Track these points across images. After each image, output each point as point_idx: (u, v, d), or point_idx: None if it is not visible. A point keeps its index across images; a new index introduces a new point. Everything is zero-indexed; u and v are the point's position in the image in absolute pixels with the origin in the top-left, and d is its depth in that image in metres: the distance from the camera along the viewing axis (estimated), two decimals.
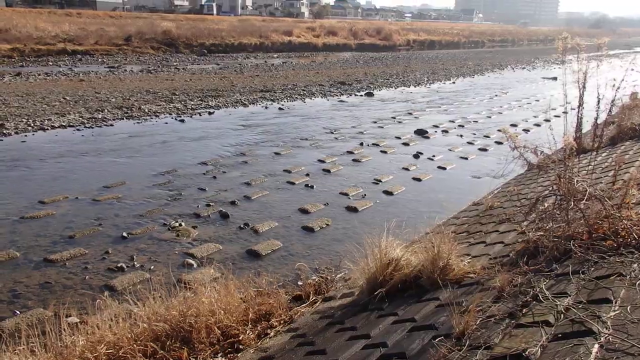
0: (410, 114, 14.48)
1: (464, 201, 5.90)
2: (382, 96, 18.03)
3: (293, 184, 7.55)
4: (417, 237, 3.67)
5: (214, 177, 7.78)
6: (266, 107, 14.90)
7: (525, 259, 2.61)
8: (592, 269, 2.26)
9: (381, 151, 9.86)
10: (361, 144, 10.37)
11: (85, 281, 4.47)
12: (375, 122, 12.93)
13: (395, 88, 20.59)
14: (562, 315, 1.91)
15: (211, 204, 6.54)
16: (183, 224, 5.83)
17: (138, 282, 4.37)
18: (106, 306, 3.02)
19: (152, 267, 4.77)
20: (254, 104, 15.43)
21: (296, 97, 16.84)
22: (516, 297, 2.20)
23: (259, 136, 10.99)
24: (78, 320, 3.19)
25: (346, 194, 7.06)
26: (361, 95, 17.99)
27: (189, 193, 7.00)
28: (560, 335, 1.78)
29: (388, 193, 7.18)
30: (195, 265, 4.77)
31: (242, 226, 5.81)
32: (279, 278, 4.24)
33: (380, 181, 7.75)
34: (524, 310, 2.06)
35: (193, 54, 33.54)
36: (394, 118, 13.69)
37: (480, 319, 2.10)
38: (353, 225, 5.76)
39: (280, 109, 14.67)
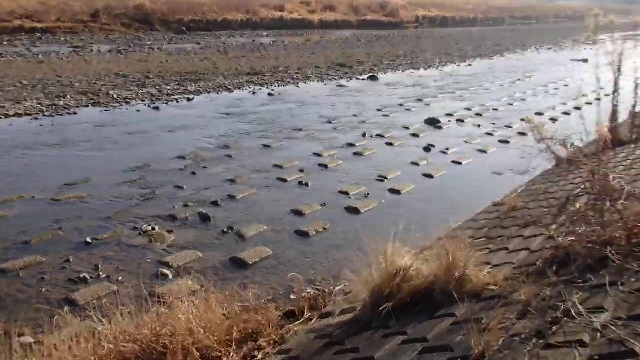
0: (420, 100, 14.59)
1: (483, 201, 5.91)
2: (388, 80, 18.15)
3: (285, 181, 7.61)
4: (429, 243, 3.68)
5: (193, 174, 7.84)
6: (254, 93, 15.04)
7: (554, 269, 2.60)
8: (633, 279, 2.24)
9: (387, 143, 9.95)
10: (364, 135, 10.47)
11: (42, 294, 4.46)
12: (379, 110, 13.05)
13: (403, 71, 20.64)
14: (598, 334, 1.90)
15: (190, 204, 6.60)
16: (157, 227, 5.88)
17: (104, 296, 4.36)
18: (66, 324, 2.99)
19: (121, 278, 4.78)
20: (239, 89, 15.59)
21: (288, 81, 16.97)
22: (545, 313, 2.18)
23: (246, 126, 11.11)
24: (32, 340, 3.16)
25: (346, 193, 7.10)
26: (363, 79, 18.14)
27: (164, 192, 7.07)
28: (596, 358, 1.77)
29: (395, 192, 7.24)
30: (170, 276, 4.79)
31: (225, 230, 5.87)
32: (268, 291, 4.27)
33: (385, 178, 7.82)
34: (554, 328, 2.05)
35: (170, 32, 33.48)
36: (402, 105, 13.79)
37: (503, 338, 2.09)
38: (354, 228, 5.76)
39: (270, 94, 14.82)
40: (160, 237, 5.64)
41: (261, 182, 7.61)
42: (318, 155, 9.07)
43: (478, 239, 4.18)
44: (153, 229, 5.84)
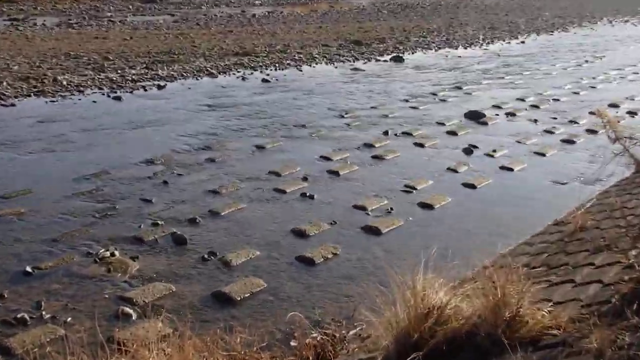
0: (459, 88, 14.64)
1: (541, 219, 5.92)
2: (417, 62, 18.25)
3: (283, 192, 7.61)
4: (471, 274, 3.70)
5: (165, 183, 7.86)
6: (244, 78, 15.18)
7: (635, 307, 2.58)
8: None
9: (416, 144, 9.99)
10: (386, 132, 10.52)
11: None
12: (406, 101, 13.13)
13: (436, 50, 20.76)
14: None
15: (160, 222, 6.58)
16: (117, 253, 5.84)
17: (48, 342, 4.31)
18: None
19: (70, 318, 4.74)
20: (225, 73, 15.75)
21: (288, 64, 17.12)
22: None
23: (233, 121, 11.15)
24: None
25: (363, 208, 7.10)
26: (385, 61, 18.27)
27: (127, 206, 7.05)
28: None
29: (426, 206, 7.26)
30: (134, 317, 4.77)
31: (206, 256, 5.85)
32: (261, 336, 4.21)
33: (414, 188, 7.84)
34: None
35: (136, 1, 33.70)
36: (435, 95, 13.81)
37: None
38: (373, 254, 5.80)
39: (264, 80, 14.94)
40: (122, 265, 5.61)
41: (253, 193, 7.59)
42: (327, 159, 9.11)
43: (535, 268, 4.17)
44: (112, 254, 5.82)
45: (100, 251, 5.88)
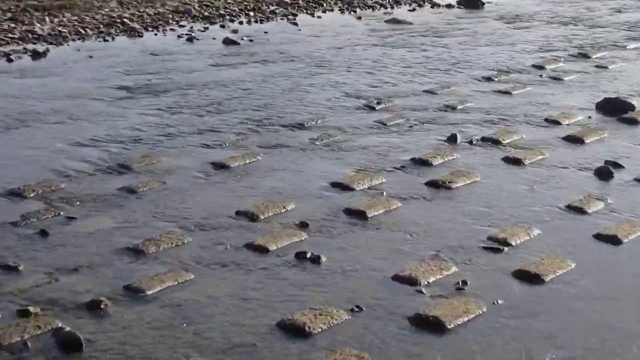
0: (585, 56, 11.33)
1: None
2: (507, 7, 14.62)
3: (264, 251, 5.59)
4: None
5: (43, 234, 5.90)
6: (191, 39, 11.62)
7: None
8: None
9: (507, 159, 7.44)
10: (452, 138, 7.84)
11: None
12: (488, 80, 9.96)
13: None
14: None
15: (32, 309, 4.75)
16: None
17: None
18: None
19: None
20: (157, 28, 12.03)
21: (273, 12, 13.21)
22: None
23: (172, 118, 8.45)
24: None
25: (411, 281, 5.19)
26: (449, 6, 14.52)
27: None
28: None
29: (528, 278, 5.28)
30: None
31: None
32: None
33: (504, 244, 5.69)
34: None
35: None
36: (540, 68, 10.55)
37: None
38: None
39: (230, 41, 11.37)
40: None
41: (207, 253, 5.60)
42: (343, 187, 6.73)
43: None
44: None
45: None
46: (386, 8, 13.51)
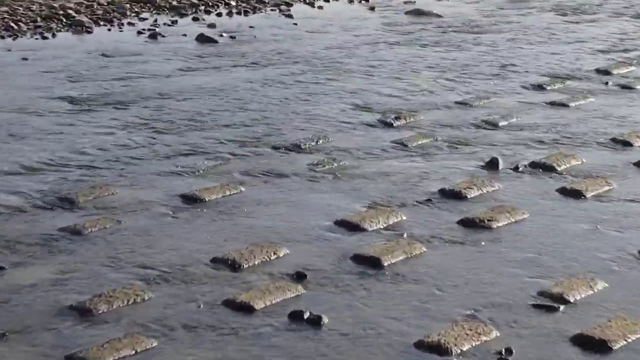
0: None
1: None
2: None
3: (248, 310, 4.94)
4: None
5: None
6: (155, 35, 10.64)
7: None
8: None
9: (563, 190, 6.68)
10: (492, 164, 7.20)
11: None
12: (538, 88, 8.99)
13: None
14: None
15: None
16: None
17: None
18: None
19: None
20: (112, 22, 10.94)
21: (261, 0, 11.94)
22: None
23: (129, 137, 7.54)
24: None
25: (440, 349, 4.57)
26: None
27: None
28: None
29: (590, 345, 4.60)
30: None
31: None
32: None
33: (561, 300, 4.96)
34: None
35: None
36: (604, 73, 9.58)
37: None
38: None
39: (204, 38, 10.43)
40: None
41: (173, 314, 4.88)
42: (351, 226, 5.90)
43: None
44: None
45: None
46: None
